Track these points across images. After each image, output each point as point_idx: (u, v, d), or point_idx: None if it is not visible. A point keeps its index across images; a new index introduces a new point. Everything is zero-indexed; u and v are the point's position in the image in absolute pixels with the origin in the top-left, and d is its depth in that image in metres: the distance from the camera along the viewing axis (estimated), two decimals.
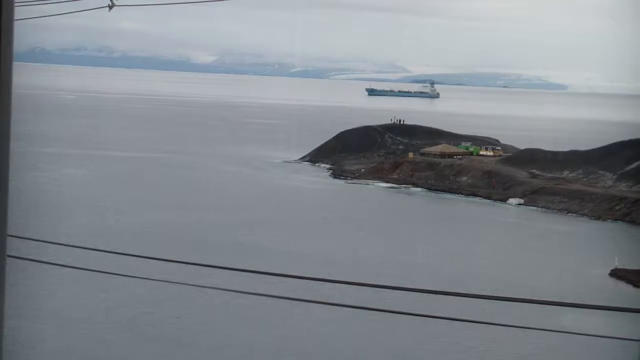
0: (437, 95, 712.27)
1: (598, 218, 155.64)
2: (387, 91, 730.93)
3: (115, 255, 60.08)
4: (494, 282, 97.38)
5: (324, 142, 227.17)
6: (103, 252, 55.32)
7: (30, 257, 22.40)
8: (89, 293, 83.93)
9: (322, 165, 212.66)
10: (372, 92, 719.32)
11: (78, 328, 75.44)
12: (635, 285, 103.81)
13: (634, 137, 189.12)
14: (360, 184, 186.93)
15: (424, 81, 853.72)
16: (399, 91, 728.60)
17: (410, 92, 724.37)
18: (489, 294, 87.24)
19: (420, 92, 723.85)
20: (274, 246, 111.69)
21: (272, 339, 74.40)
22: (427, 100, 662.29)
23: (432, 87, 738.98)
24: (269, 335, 75.17)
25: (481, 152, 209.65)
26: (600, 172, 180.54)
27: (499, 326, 68.54)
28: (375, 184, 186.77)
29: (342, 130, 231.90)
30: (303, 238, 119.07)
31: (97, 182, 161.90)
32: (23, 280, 77.93)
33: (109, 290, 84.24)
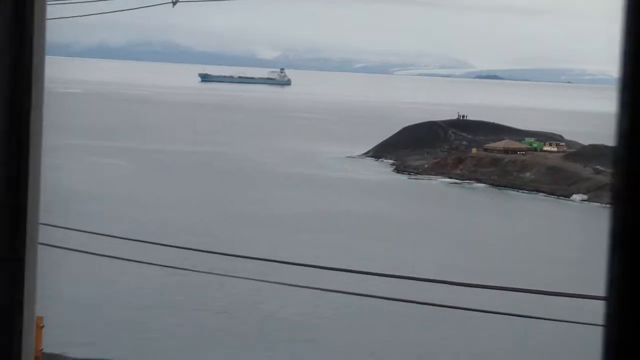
0: (287, 82, 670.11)
1: None
2: (226, 77, 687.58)
3: None
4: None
5: (388, 137, 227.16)
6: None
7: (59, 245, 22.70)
8: None
9: (385, 160, 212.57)
10: (205, 77, 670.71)
11: None
12: None
13: None
14: (423, 179, 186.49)
15: (487, 77, 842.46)
16: (240, 77, 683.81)
17: (254, 79, 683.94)
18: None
19: (268, 79, 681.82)
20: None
21: None
22: (275, 87, 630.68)
23: (282, 73, 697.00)
24: None
25: (545, 148, 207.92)
26: None
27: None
28: (439, 179, 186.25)
29: None
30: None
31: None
32: None
33: None
